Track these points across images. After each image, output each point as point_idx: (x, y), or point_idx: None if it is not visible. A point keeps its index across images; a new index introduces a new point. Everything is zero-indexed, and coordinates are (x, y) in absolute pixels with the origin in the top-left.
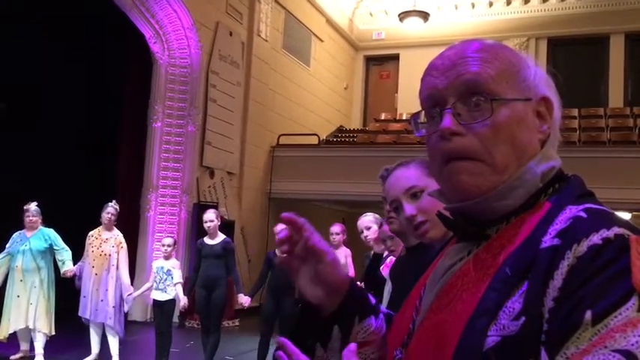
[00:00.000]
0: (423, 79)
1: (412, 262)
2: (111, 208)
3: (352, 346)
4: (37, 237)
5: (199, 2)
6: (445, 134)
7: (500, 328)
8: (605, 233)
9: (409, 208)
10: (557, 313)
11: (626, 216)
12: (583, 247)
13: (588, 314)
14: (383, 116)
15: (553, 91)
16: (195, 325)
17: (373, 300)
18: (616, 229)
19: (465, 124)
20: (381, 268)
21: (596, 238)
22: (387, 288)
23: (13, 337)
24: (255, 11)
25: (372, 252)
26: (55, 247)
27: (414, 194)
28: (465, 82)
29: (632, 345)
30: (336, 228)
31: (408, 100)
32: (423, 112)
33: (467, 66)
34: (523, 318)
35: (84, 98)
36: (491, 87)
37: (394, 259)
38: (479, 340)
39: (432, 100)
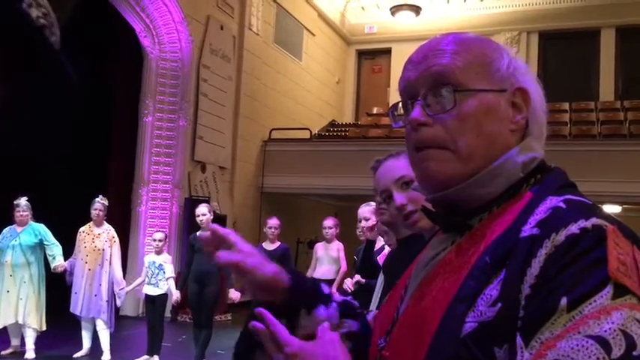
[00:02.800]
0: (401, 73)
1: (403, 255)
2: (98, 204)
3: (326, 324)
4: (27, 232)
5: None
6: (413, 125)
7: (477, 315)
8: (583, 223)
9: (399, 197)
10: (534, 300)
11: (616, 209)
12: (561, 236)
13: (563, 301)
14: (375, 110)
15: (532, 82)
16: (188, 320)
17: (326, 290)
18: (594, 220)
19: (432, 114)
20: (378, 257)
21: (574, 228)
22: (380, 281)
23: (4, 332)
24: (246, 5)
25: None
26: (45, 243)
27: (405, 183)
28: (433, 74)
29: (605, 332)
30: (329, 222)
31: None
32: (401, 104)
33: (436, 58)
34: (499, 304)
35: (73, 92)
36: (458, 78)
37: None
38: (457, 326)
39: (407, 92)
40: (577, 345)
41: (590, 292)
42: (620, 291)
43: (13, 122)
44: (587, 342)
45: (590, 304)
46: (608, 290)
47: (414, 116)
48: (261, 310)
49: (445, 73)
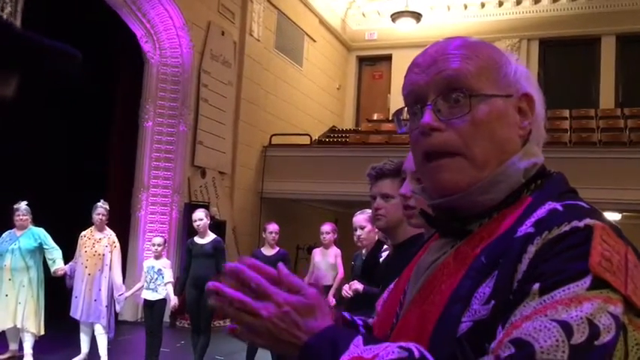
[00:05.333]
0: (405, 76)
1: (399, 259)
2: (101, 209)
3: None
4: (26, 236)
5: (191, 1)
6: (425, 130)
7: (472, 314)
8: (576, 223)
9: (406, 187)
10: (517, 291)
11: (616, 216)
12: (553, 234)
13: (537, 285)
14: (375, 116)
15: (535, 88)
16: (186, 325)
17: (348, 316)
18: (587, 220)
19: (445, 119)
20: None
21: (566, 227)
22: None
23: (2, 336)
24: (247, 11)
25: (363, 250)
26: (44, 247)
27: (418, 179)
28: (446, 78)
29: (572, 318)
30: (326, 227)
31: (401, 101)
32: (406, 108)
33: (447, 62)
34: (492, 302)
35: (74, 97)
36: (470, 83)
37: None
38: (453, 327)
39: (414, 96)
40: (539, 326)
41: (564, 280)
42: (599, 284)
43: (14, 127)
44: (550, 324)
45: (563, 290)
46: (585, 281)
47: (426, 121)
48: (236, 265)
49: (458, 77)
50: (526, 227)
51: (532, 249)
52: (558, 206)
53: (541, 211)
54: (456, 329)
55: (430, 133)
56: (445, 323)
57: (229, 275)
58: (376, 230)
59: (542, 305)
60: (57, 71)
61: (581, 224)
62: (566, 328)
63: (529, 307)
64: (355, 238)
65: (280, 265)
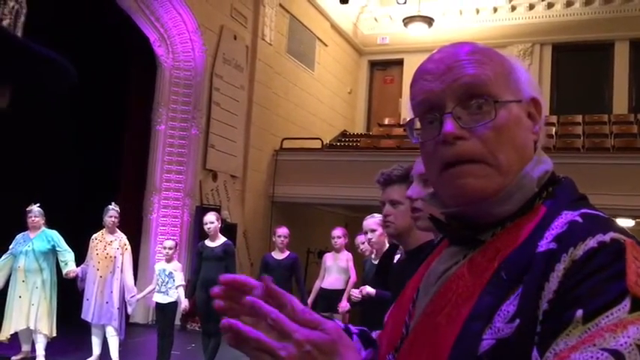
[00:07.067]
0: (414, 84)
1: (411, 266)
2: (113, 211)
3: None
4: (39, 238)
5: (204, 6)
6: (449, 139)
7: (495, 331)
8: (601, 237)
9: (412, 190)
10: (551, 314)
11: (629, 223)
12: (579, 250)
13: (579, 312)
14: (387, 121)
15: (539, 93)
16: (197, 328)
17: (341, 324)
18: (612, 234)
19: (467, 127)
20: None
21: (592, 242)
22: None
23: (15, 337)
24: (259, 15)
25: (372, 255)
26: (57, 249)
27: (426, 180)
28: (464, 85)
29: (621, 345)
30: (337, 232)
31: None
32: (418, 118)
33: (463, 69)
34: (518, 320)
35: (87, 100)
36: (490, 89)
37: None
38: (474, 344)
39: (428, 104)
40: (591, 357)
41: (607, 305)
42: (638, 304)
43: (28, 131)
44: (601, 355)
45: (607, 316)
46: (626, 304)
47: (449, 129)
48: (252, 299)
49: (476, 83)
50: (547, 242)
51: (560, 267)
52: (576, 217)
53: (559, 223)
54: (477, 347)
55: (454, 142)
56: (465, 341)
57: (246, 308)
58: (386, 234)
59: (588, 334)
60: (49, 85)
61: (606, 238)
62: (618, 356)
63: (573, 337)
64: (365, 242)
65: (296, 300)
